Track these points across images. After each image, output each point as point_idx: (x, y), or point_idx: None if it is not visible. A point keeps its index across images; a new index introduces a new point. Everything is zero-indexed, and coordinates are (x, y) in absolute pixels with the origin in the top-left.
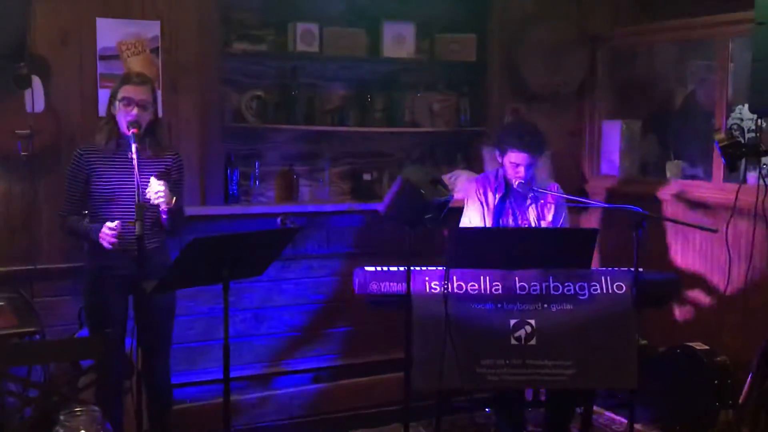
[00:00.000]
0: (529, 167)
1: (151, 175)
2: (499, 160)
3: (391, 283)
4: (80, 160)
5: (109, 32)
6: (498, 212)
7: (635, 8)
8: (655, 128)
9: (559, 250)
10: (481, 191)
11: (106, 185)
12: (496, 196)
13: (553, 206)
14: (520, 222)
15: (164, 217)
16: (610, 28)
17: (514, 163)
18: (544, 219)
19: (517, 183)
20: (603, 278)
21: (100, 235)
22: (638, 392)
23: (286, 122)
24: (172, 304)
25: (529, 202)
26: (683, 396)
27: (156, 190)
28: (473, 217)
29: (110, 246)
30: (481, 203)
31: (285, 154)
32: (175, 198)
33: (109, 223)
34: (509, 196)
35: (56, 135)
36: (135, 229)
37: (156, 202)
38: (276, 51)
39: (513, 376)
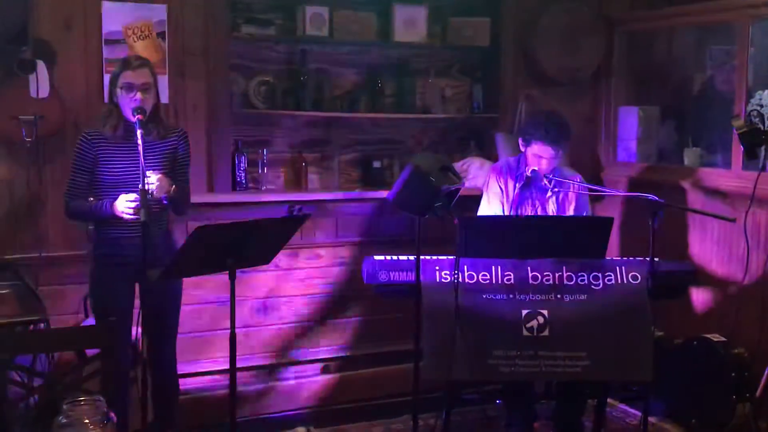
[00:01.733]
0: (552, 160)
1: (160, 157)
2: (523, 149)
3: (401, 273)
4: (87, 144)
5: (115, 16)
6: (517, 201)
7: None
8: (673, 114)
9: (573, 239)
10: (501, 179)
11: (112, 171)
12: (517, 185)
13: (574, 198)
14: (540, 213)
15: (165, 203)
16: (628, 12)
17: (538, 155)
18: (564, 211)
19: (530, 171)
20: (618, 268)
21: (117, 205)
22: (653, 385)
23: (295, 108)
24: (178, 292)
25: (549, 192)
26: (699, 389)
27: (151, 182)
28: (493, 204)
29: (131, 214)
30: (501, 191)
31: (294, 140)
32: (174, 186)
33: (127, 195)
34: (530, 186)
35: (61, 120)
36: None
37: (157, 195)
38: (284, 35)
39: (525, 368)
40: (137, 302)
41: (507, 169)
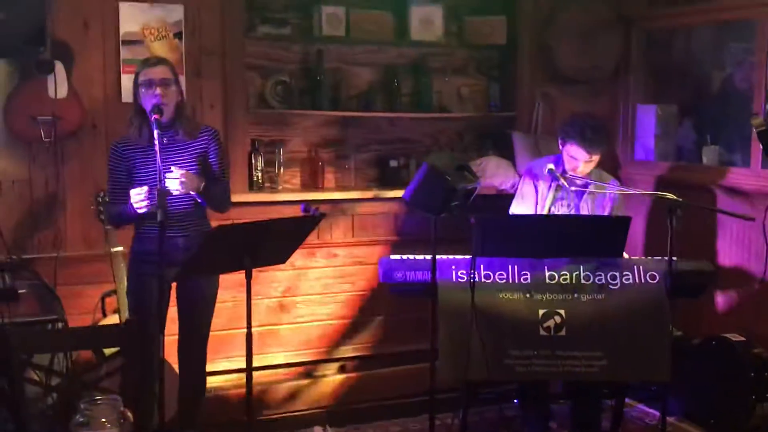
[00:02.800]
0: (586, 163)
1: (191, 157)
2: (560, 148)
3: (417, 272)
4: (117, 154)
5: (132, 16)
6: (551, 203)
7: None
8: (692, 113)
9: (590, 238)
10: (535, 180)
11: (146, 175)
12: (551, 185)
13: (610, 201)
14: (572, 212)
15: (199, 200)
16: (646, 9)
17: (573, 156)
18: (598, 212)
19: (546, 170)
20: (635, 267)
21: (133, 203)
22: (672, 385)
23: (311, 108)
24: (214, 292)
25: (584, 193)
26: (718, 389)
27: (174, 177)
28: (525, 206)
29: (146, 207)
30: (535, 192)
31: (310, 140)
32: (204, 183)
33: (134, 191)
34: (563, 187)
35: (79, 121)
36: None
37: (184, 191)
38: (301, 35)
39: (542, 368)
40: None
41: (540, 170)
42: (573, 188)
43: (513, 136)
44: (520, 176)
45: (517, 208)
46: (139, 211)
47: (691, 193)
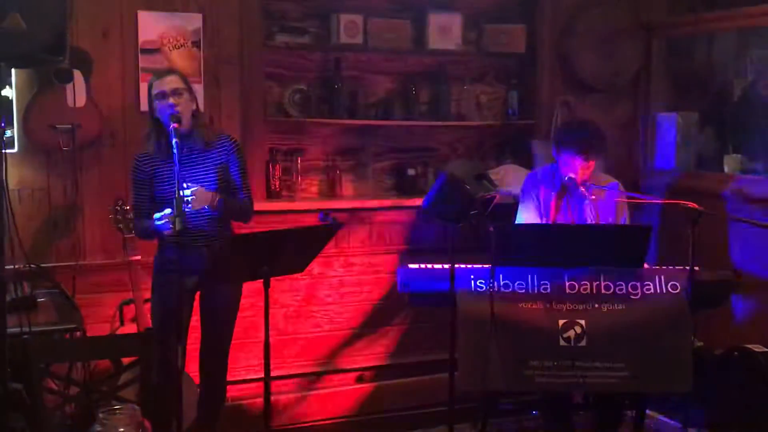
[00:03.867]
0: (584, 170)
1: (210, 168)
2: (555, 156)
3: (435, 281)
4: (139, 167)
5: (151, 25)
6: (554, 210)
7: None
8: (713, 121)
9: (611, 247)
10: (537, 187)
11: (168, 188)
12: (552, 193)
13: (613, 205)
14: (576, 221)
15: (216, 214)
16: (666, 17)
17: (570, 164)
18: (603, 219)
19: (567, 178)
20: (657, 277)
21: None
22: (693, 396)
23: (329, 116)
24: (236, 301)
25: (587, 201)
26: (740, 400)
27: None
28: (530, 214)
29: (171, 232)
30: (537, 199)
31: (328, 148)
32: (217, 198)
33: (157, 215)
34: (566, 194)
35: (98, 129)
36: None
37: (194, 208)
38: (319, 43)
39: (562, 378)
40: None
41: (542, 177)
42: (594, 197)
43: (532, 144)
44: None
45: (521, 217)
46: (166, 232)
47: (712, 201)
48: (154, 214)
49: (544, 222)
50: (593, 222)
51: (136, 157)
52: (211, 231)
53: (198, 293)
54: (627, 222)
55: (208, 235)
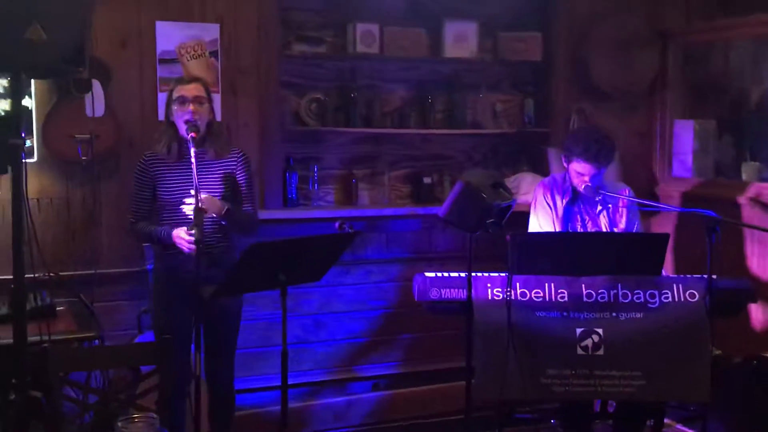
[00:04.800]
0: (594, 177)
1: (217, 178)
2: (565, 165)
3: (452, 290)
4: (145, 166)
5: (169, 35)
6: (566, 217)
7: (708, 3)
8: (730, 128)
9: (628, 255)
10: (549, 195)
11: (171, 191)
12: (564, 200)
13: (625, 212)
14: (590, 228)
15: (223, 223)
16: (683, 24)
17: (580, 172)
18: (616, 225)
19: (583, 186)
20: (674, 286)
21: (177, 239)
22: (711, 405)
23: (345, 125)
24: (237, 310)
25: (599, 207)
26: (759, 409)
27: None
28: (543, 222)
29: (189, 250)
30: (549, 207)
31: (344, 156)
32: (226, 208)
33: (183, 231)
34: (578, 201)
35: (116, 139)
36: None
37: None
38: (335, 52)
39: (579, 387)
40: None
41: (553, 184)
42: (610, 204)
43: (548, 152)
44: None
45: (534, 225)
46: (185, 250)
47: (730, 209)
48: (152, 216)
49: (557, 229)
50: (606, 229)
51: (143, 157)
52: (213, 241)
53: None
54: (640, 229)
55: (210, 243)
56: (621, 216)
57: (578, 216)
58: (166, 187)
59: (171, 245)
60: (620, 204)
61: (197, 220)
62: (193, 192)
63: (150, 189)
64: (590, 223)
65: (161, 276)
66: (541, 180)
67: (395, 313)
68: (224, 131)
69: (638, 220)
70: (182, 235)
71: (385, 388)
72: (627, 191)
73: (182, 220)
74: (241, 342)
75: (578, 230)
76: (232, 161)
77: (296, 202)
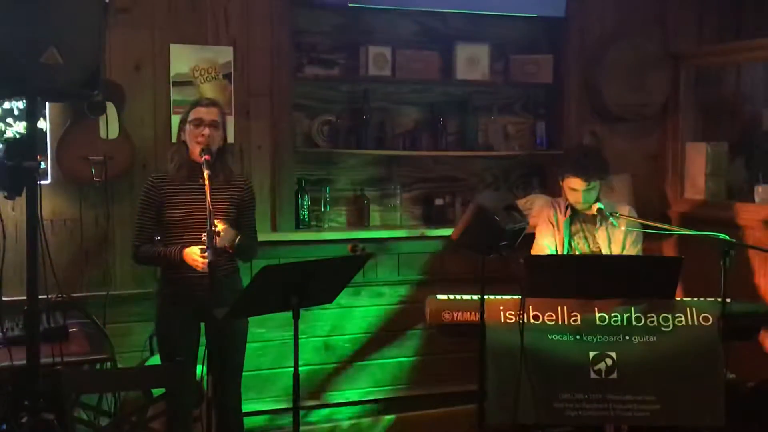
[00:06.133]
0: (587, 192)
1: (224, 202)
2: (560, 183)
3: (465, 312)
4: (152, 188)
5: (183, 58)
6: (568, 234)
7: (720, 26)
8: (743, 150)
9: (642, 279)
10: (551, 214)
11: (178, 212)
12: (566, 217)
13: (624, 229)
14: (591, 245)
15: (230, 252)
16: (695, 46)
17: (573, 188)
18: (615, 243)
19: (596, 209)
20: (688, 309)
21: (190, 258)
22: (726, 429)
23: (357, 147)
24: (243, 331)
25: (598, 225)
26: None
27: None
28: (546, 240)
29: (203, 267)
30: (552, 225)
31: (356, 178)
32: (239, 237)
33: (195, 249)
34: (578, 219)
35: (129, 161)
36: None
37: (219, 245)
38: (348, 75)
39: (593, 412)
40: (203, 340)
41: (555, 205)
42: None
43: None
44: None
45: (541, 243)
46: (196, 266)
47: (743, 232)
48: (155, 238)
49: (558, 245)
50: (607, 248)
51: (151, 177)
52: (220, 263)
53: (203, 323)
54: (641, 250)
55: (219, 267)
56: (620, 234)
57: (580, 234)
58: (174, 208)
59: (177, 266)
60: (620, 222)
61: (210, 243)
62: (216, 222)
63: (155, 210)
64: (591, 240)
65: (167, 300)
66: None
67: (407, 335)
68: (234, 158)
69: (636, 236)
70: (195, 255)
71: (396, 410)
72: (628, 210)
73: (187, 241)
74: (252, 363)
75: (580, 248)
76: (239, 188)
77: (308, 224)
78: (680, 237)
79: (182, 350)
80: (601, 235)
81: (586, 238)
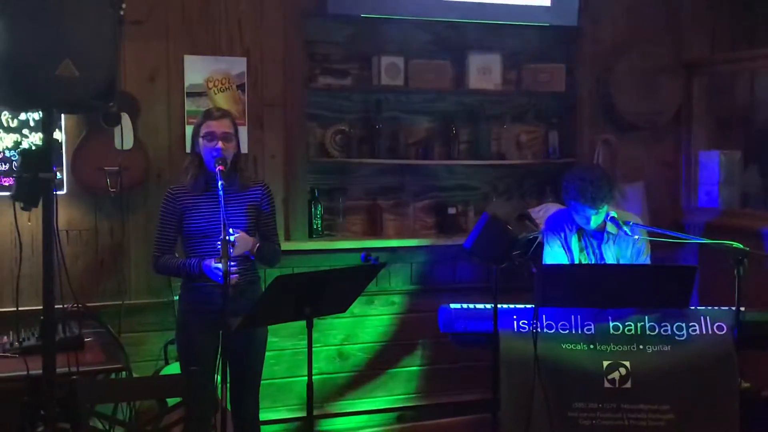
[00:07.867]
0: (596, 216)
1: (242, 209)
2: (565, 203)
3: (478, 322)
4: (172, 199)
5: (197, 69)
6: (576, 248)
7: (733, 34)
8: (756, 158)
9: (656, 288)
10: (559, 228)
11: (198, 224)
12: (572, 234)
13: (631, 241)
14: (598, 258)
15: (252, 258)
16: (707, 54)
17: (581, 214)
18: (623, 255)
19: (610, 217)
20: (702, 318)
21: (210, 270)
22: None
23: (370, 156)
24: (262, 341)
25: (606, 237)
26: None
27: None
28: (556, 251)
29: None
30: (560, 237)
31: (369, 188)
32: (258, 244)
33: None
34: (584, 234)
35: (144, 171)
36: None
37: (235, 253)
38: (360, 85)
39: (607, 421)
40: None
41: (562, 218)
42: (637, 236)
43: None
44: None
45: (549, 255)
46: (220, 281)
47: (757, 241)
48: (174, 251)
49: (567, 254)
50: (615, 260)
51: (169, 190)
52: (240, 273)
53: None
54: (648, 260)
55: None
56: (627, 246)
57: (589, 247)
58: (194, 219)
59: (197, 277)
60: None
61: (224, 253)
62: (231, 230)
63: (176, 222)
64: (598, 253)
65: (188, 308)
66: (548, 217)
67: (420, 344)
68: (248, 165)
69: (644, 247)
70: (213, 269)
71: (410, 419)
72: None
73: (209, 251)
74: (266, 372)
75: (589, 257)
76: (256, 194)
77: (321, 233)
78: (695, 246)
79: (201, 358)
80: (608, 250)
81: (594, 250)
